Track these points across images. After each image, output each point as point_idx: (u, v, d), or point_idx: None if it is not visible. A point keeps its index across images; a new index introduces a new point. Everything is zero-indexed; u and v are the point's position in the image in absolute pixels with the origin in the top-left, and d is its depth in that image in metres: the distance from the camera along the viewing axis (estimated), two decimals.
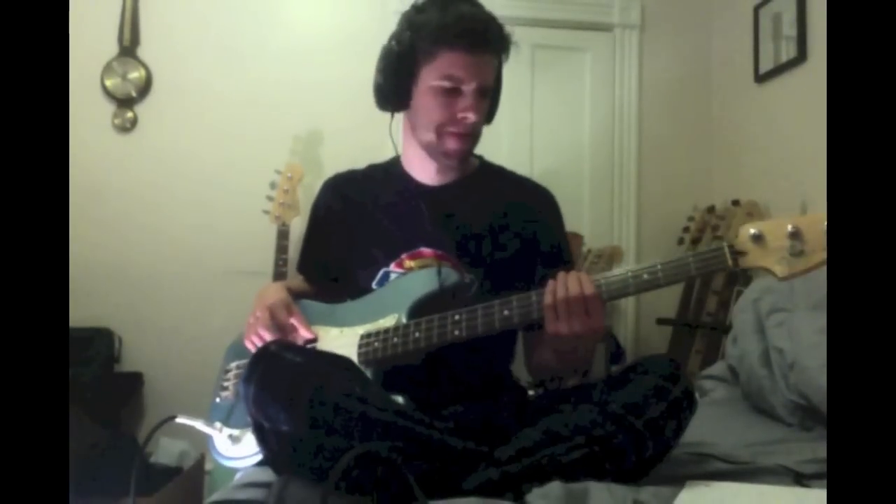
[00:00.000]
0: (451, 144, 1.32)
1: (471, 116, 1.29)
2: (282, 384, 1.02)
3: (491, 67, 1.32)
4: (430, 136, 1.32)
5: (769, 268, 1.07)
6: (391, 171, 1.45)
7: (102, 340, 2.66)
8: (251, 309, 1.36)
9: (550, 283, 1.14)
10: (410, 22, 1.30)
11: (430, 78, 1.28)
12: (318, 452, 0.98)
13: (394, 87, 1.32)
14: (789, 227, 1.05)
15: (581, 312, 1.11)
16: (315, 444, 0.98)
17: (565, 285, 1.12)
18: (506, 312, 1.17)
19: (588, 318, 1.11)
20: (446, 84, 1.27)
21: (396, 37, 1.32)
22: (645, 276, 1.11)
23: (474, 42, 1.27)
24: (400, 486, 0.93)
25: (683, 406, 1.09)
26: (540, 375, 1.47)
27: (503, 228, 1.37)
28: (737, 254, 1.08)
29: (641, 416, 1.04)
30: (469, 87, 1.28)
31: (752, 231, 1.08)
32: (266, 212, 2.54)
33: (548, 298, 1.12)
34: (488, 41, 1.29)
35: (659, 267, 1.11)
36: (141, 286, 2.80)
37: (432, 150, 1.35)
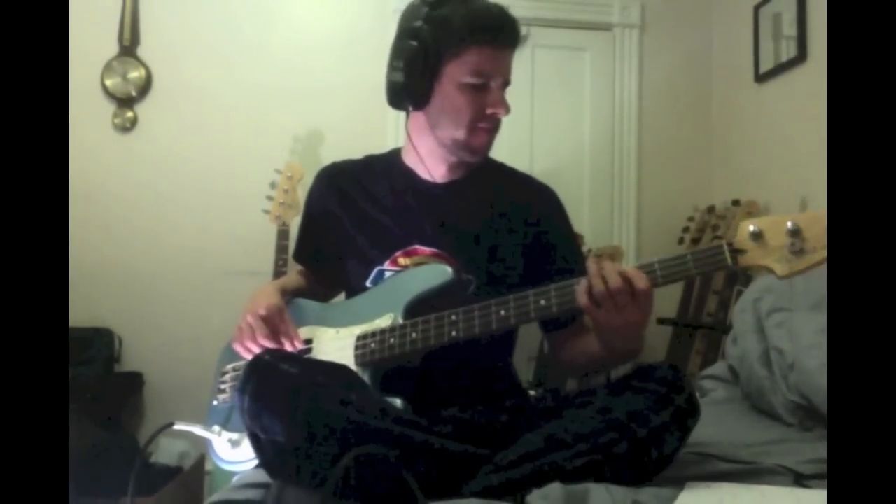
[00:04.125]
0: (480, 140, 1.32)
1: (501, 112, 1.30)
2: (277, 395, 1.01)
3: (511, 60, 1.32)
4: (458, 134, 1.30)
5: (769, 266, 1.05)
6: (392, 166, 1.42)
7: (102, 340, 2.67)
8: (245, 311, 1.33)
9: (586, 279, 1.10)
10: (429, 17, 1.27)
11: (458, 75, 1.27)
12: (315, 462, 0.97)
13: (415, 85, 1.29)
14: (789, 225, 1.03)
15: (627, 301, 1.08)
16: (312, 454, 0.97)
17: (602, 278, 1.08)
18: (502, 313, 1.15)
19: (638, 306, 1.08)
20: (476, 81, 1.27)
21: (413, 33, 1.28)
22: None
23: (500, 37, 1.28)
24: (399, 489, 0.92)
25: (687, 415, 1.07)
26: (580, 371, 1.44)
27: (505, 229, 1.36)
28: (736, 252, 1.07)
29: (644, 424, 1.02)
30: (497, 83, 1.29)
31: (752, 228, 1.06)
32: (266, 211, 2.54)
33: (583, 299, 1.09)
34: (511, 35, 1.30)
35: (657, 266, 1.09)
36: (141, 286, 2.80)
37: (457, 148, 1.33)
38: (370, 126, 2.65)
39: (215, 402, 1.38)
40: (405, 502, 0.92)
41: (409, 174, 1.40)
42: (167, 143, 2.85)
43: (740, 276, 2.60)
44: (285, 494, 0.99)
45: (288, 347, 1.28)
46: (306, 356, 1.28)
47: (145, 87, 2.84)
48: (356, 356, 1.22)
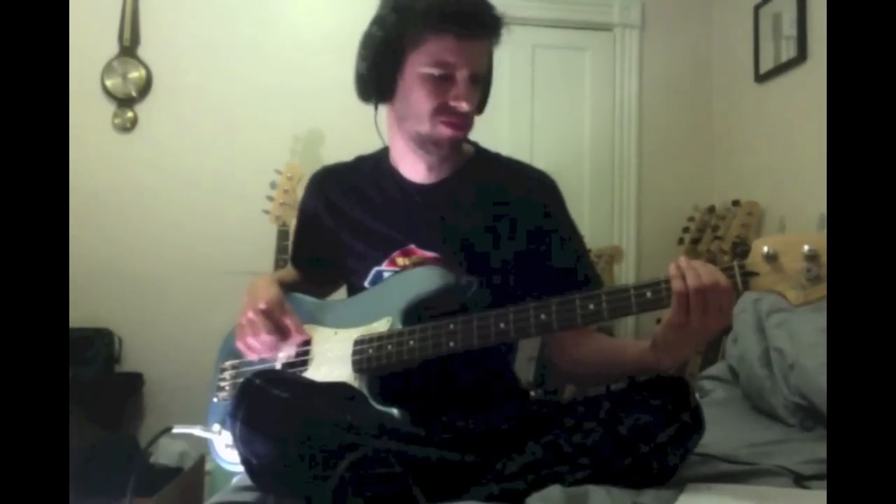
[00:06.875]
0: (444, 132, 1.23)
1: (464, 105, 1.21)
2: (269, 421, 0.98)
3: (483, 53, 1.24)
4: (420, 127, 1.24)
5: (782, 293, 0.98)
6: (380, 167, 1.37)
7: (102, 340, 2.67)
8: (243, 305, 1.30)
9: (676, 267, 1.02)
10: (395, 4, 1.22)
11: (419, 64, 1.20)
12: (311, 485, 0.95)
13: (378, 76, 1.24)
14: (805, 249, 0.96)
15: (716, 306, 1.00)
16: (307, 479, 0.95)
17: (697, 273, 1.00)
18: (502, 326, 1.11)
19: (721, 310, 1.01)
20: (437, 71, 1.20)
21: (379, 21, 1.23)
22: (648, 295, 1.04)
23: (466, 26, 1.19)
24: (400, 494, 0.92)
25: (692, 431, 1.06)
26: (585, 379, 1.39)
27: (499, 227, 1.30)
28: (748, 274, 1.00)
29: (649, 441, 1.01)
30: (462, 74, 1.20)
31: (766, 249, 0.98)
32: (266, 212, 2.54)
33: (677, 284, 1.00)
34: (481, 25, 1.21)
35: (663, 286, 1.03)
36: (141, 286, 2.80)
37: (423, 142, 1.26)
38: (371, 126, 2.64)
39: (215, 400, 1.38)
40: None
41: (395, 174, 1.35)
42: (167, 143, 2.85)
43: None
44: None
45: (292, 341, 1.27)
46: (301, 374, 1.25)
47: (145, 88, 2.84)
48: (353, 361, 1.20)
